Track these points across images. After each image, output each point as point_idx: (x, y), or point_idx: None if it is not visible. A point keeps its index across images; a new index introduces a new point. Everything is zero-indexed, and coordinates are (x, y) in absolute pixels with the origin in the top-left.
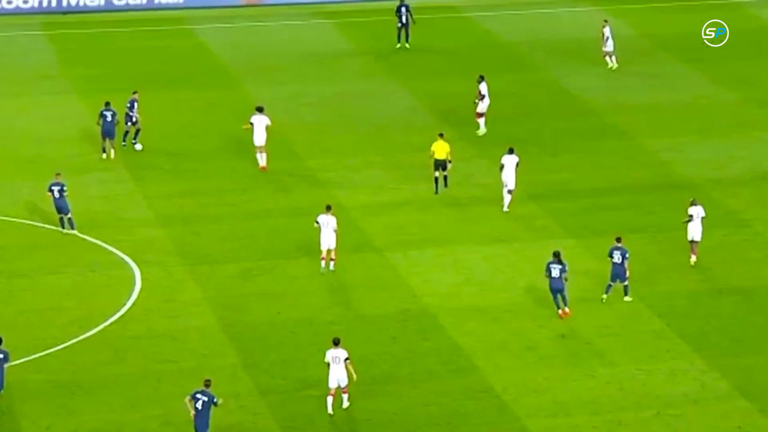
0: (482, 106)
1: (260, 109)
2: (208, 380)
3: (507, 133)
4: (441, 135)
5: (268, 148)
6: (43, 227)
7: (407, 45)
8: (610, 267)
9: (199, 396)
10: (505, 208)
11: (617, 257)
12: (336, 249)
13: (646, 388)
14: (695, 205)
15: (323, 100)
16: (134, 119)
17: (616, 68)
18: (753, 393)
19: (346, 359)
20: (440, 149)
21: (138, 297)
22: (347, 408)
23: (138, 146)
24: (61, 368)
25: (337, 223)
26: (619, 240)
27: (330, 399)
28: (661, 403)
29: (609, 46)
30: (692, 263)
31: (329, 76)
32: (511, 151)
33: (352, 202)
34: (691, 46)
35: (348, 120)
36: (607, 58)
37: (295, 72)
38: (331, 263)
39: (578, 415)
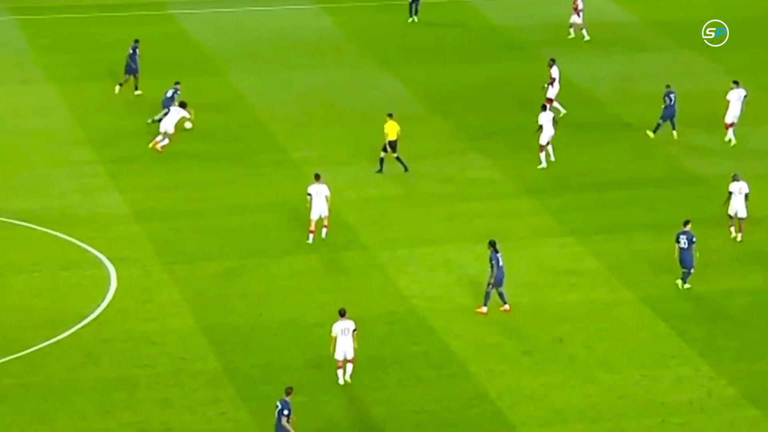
0: (552, 92)
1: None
2: (290, 388)
3: (504, 124)
4: (390, 115)
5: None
6: (13, 223)
7: (416, 19)
8: (676, 253)
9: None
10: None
11: (683, 242)
12: (328, 217)
13: (649, 395)
14: (737, 180)
15: (310, 90)
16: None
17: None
18: (763, 400)
19: (354, 330)
20: (392, 130)
21: (113, 298)
22: (349, 381)
23: (188, 124)
24: (32, 372)
25: (330, 190)
26: (686, 224)
27: (340, 371)
28: (665, 411)
29: (576, 19)
30: (738, 239)
31: (316, 65)
32: (544, 108)
33: (338, 197)
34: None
35: (335, 110)
36: (583, 31)
37: (281, 60)
38: (324, 230)
39: (577, 423)
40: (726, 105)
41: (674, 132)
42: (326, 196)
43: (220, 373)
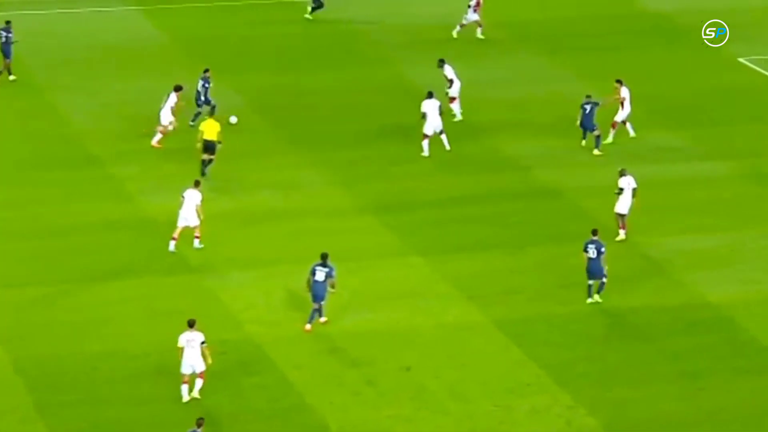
0: (453, 91)
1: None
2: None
3: (346, 135)
4: (212, 114)
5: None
6: None
7: (309, 17)
8: (585, 263)
9: None
10: (447, 146)
11: (592, 251)
12: (198, 227)
13: (504, 427)
14: (624, 175)
15: (132, 99)
16: (207, 99)
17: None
18: (625, 431)
19: (202, 343)
20: (210, 129)
21: None
22: (198, 397)
23: (233, 119)
24: None
25: (201, 201)
26: (594, 233)
27: (184, 387)
28: None
29: (473, 16)
30: (620, 238)
31: (136, 72)
32: (430, 95)
33: (165, 214)
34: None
35: (153, 120)
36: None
37: (98, 67)
38: (195, 240)
39: None
40: (616, 105)
41: (583, 141)
42: (197, 205)
43: (32, 410)
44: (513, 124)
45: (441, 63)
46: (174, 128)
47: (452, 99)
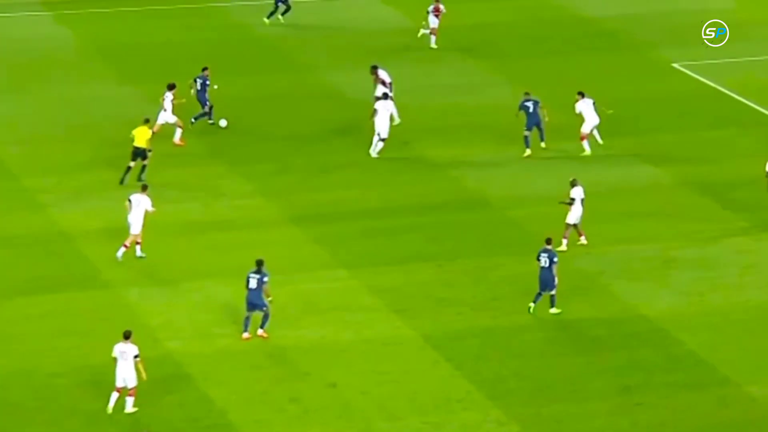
0: (379, 92)
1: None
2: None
3: (269, 144)
4: (146, 121)
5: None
6: None
7: (275, 20)
8: (538, 272)
9: None
10: (374, 155)
11: (544, 260)
12: (140, 234)
13: None
14: (576, 186)
15: (45, 108)
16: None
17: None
18: None
19: (136, 356)
20: (141, 136)
21: None
22: (132, 413)
23: (222, 122)
24: None
25: (152, 205)
26: (548, 242)
27: (114, 396)
28: None
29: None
30: (582, 243)
31: (51, 79)
32: (385, 96)
33: (76, 227)
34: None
35: (71, 130)
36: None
37: (10, 75)
38: (137, 248)
39: None
40: (580, 117)
41: (543, 143)
42: (146, 210)
43: None
44: (442, 133)
45: (374, 69)
46: (180, 125)
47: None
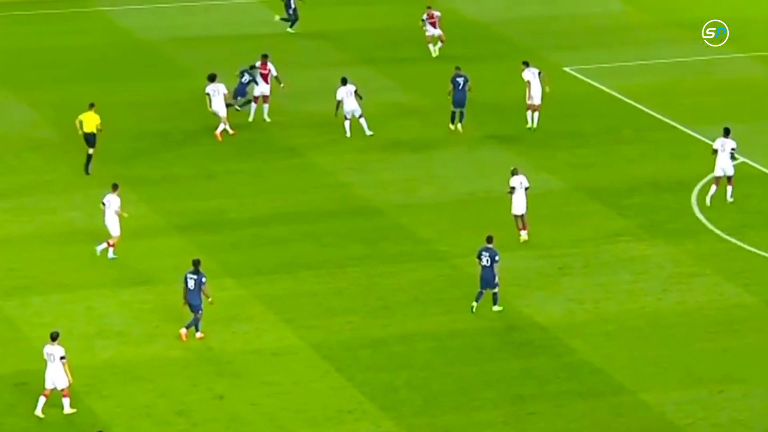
0: (266, 90)
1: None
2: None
3: (150, 151)
4: (91, 105)
5: None
6: None
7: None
8: (479, 271)
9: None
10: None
11: (485, 259)
12: (117, 237)
13: None
14: (516, 174)
15: None
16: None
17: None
18: None
19: (62, 358)
20: (89, 121)
21: None
22: (70, 413)
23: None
24: None
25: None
26: (489, 240)
27: (42, 399)
28: None
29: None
30: (522, 240)
31: None
32: (344, 82)
33: None
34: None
35: None
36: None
37: None
38: (110, 250)
39: None
40: (526, 86)
41: (459, 124)
42: (116, 211)
43: None
44: (329, 138)
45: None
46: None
47: (257, 99)
